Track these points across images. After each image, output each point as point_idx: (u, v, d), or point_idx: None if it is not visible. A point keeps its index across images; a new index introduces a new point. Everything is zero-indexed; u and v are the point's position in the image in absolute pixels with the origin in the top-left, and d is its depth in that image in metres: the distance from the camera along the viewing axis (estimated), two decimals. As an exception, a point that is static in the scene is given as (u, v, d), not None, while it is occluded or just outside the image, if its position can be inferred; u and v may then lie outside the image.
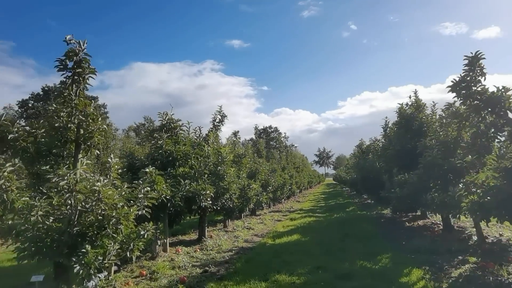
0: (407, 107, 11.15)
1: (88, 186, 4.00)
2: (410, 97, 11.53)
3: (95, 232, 4.18)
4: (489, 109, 5.85)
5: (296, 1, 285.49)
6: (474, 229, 10.07)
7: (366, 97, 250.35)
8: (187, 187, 7.32)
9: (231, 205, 9.78)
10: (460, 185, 6.00)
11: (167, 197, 6.90)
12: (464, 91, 6.03)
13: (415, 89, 11.33)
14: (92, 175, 4.87)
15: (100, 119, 4.96)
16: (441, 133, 9.28)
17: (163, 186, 6.78)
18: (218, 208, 9.36)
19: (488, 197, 5.08)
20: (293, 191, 26.08)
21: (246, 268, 6.80)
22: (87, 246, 3.97)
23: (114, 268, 6.30)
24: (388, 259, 6.99)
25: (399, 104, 11.21)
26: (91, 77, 4.81)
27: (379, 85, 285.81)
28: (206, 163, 9.08)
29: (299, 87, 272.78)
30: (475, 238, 8.42)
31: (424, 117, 10.70)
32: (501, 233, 8.85)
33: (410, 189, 7.85)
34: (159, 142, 7.74)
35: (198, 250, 8.36)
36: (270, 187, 16.05)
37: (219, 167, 8.94)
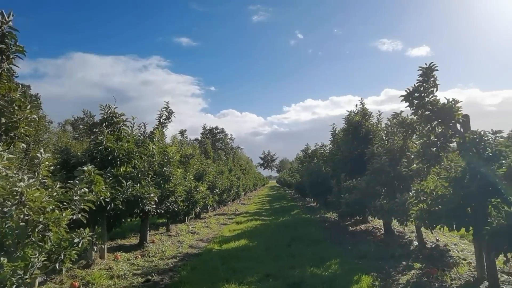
0: (354, 115, 11.40)
1: (8, 187, 3.31)
2: (356, 106, 11.83)
3: (15, 241, 3.48)
4: (439, 120, 6.03)
5: (246, 5, 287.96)
6: (413, 234, 10.56)
7: (309, 104, 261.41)
8: (130, 190, 6.66)
9: (176, 209, 9.19)
10: (411, 192, 6.11)
11: (107, 200, 6.21)
12: (416, 101, 6.16)
13: (361, 98, 11.67)
14: (15, 172, 4.12)
15: (29, 107, 4.21)
16: (387, 141, 9.60)
17: (103, 187, 6.08)
18: (162, 211, 8.73)
19: (440, 206, 5.18)
20: (239, 193, 25.83)
21: (192, 276, 6.33)
22: (2, 258, 3.27)
23: (38, 279, 5.48)
24: (337, 265, 6.94)
25: (348, 111, 11.43)
26: (18, 56, 4.05)
27: (321, 94, 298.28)
28: (150, 163, 8.43)
29: (247, 90, 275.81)
30: (415, 243, 8.75)
31: (370, 125, 11.03)
32: (437, 238, 9.31)
33: (358, 195, 7.94)
34: (99, 137, 6.95)
35: (140, 256, 7.69)
36: (217, 190, 15.60)
37: (164, 168, 8.30)
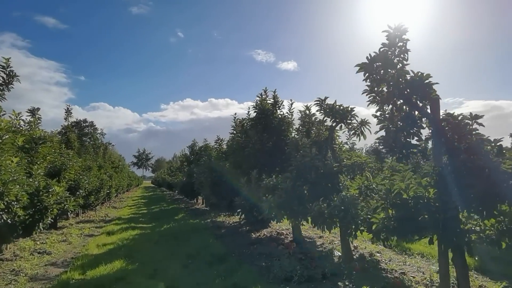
0: (265, 102, 9.66)
1: None
2: (262, 95, 10.09)
3: None
4: (405, 99, 4.61)
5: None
6: (323, 240, 9.37)
7: (188, 104, 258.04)
8: None
9: (9, 221, 5.83)
10: (377, 195, 4.56)
11: None
12: (382, 71, 4.62)
13: (265, 87, 9.95)
14: None
15: None
16: (306, 130, 8.16)
17: None
18: (-20, 226, 5.30)
19: (425, 215, 3.65)
20: (111, 195, 21.76)
21: None
22: None
23: None
24: (263, 297, 4.93)
25: (258, 96, 9.66)
26: None
27: (200, 94, 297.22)
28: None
29: (121, 83, 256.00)
30: (336, 253, 7.43)
31: (281, 115, 9.49)
32: (354, 245, 8.21)
33: (283, 196, 6.12)
34: None
35: None
36: (81, 191, 11.95)
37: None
